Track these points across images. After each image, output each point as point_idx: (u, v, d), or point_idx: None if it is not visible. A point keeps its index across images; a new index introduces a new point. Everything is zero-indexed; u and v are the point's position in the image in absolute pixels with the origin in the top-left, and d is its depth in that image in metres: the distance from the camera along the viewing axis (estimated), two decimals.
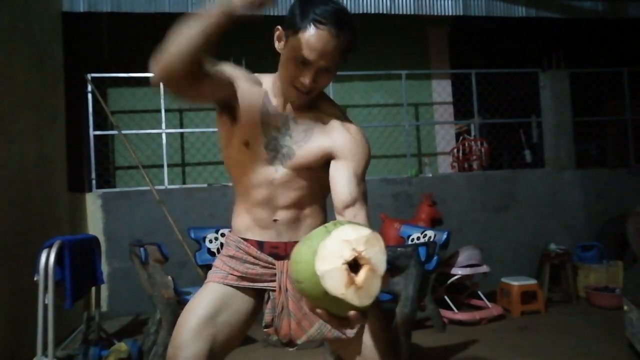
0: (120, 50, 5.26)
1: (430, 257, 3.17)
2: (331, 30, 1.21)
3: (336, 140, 1.35)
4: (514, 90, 5.66)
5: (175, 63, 1.11)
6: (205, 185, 4.77)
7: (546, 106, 5.40)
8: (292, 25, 1.24)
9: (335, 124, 1.38)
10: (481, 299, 3.99)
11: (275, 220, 1.41)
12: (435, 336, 3.46)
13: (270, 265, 1.43)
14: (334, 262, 0.96)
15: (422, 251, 3.00)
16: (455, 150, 5.74)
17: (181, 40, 1.10)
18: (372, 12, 4.79)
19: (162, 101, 4.74)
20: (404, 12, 4.86)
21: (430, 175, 5.24)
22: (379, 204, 4.69)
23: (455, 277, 3.84)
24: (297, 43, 1.23)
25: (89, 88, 4.53)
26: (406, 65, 5.35)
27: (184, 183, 5.23)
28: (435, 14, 4.94)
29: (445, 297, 3.89)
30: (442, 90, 5.88)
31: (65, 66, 4.14)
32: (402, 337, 2.67)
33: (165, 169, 4.71)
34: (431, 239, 3.42)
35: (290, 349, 1.47)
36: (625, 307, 2.86)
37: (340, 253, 0.97)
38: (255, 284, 1.44)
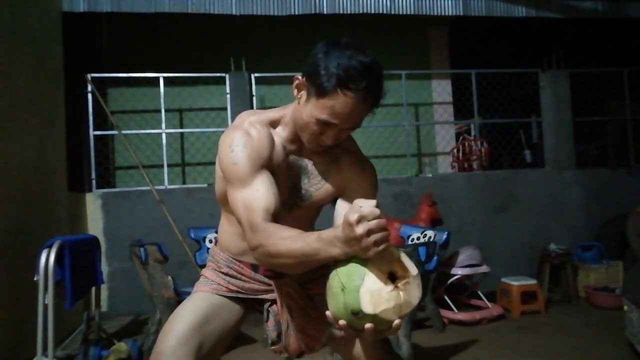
0: (120, 50, 5.26)
1: (430, 257, 3.17)
2: (359, 97, 1.11)
3: (350, 180, 1.33)
4: (514, 90, 5.66)
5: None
6: (205, 185, 4.76)
7: (546, 106, 5.39)
8: (315, 83, 1.13)
9: (351, 162, 1.35)
10: (481, 299, 3.99)
11: None
12: (435, 336, 3.46)
13: (267, 285, 1.41)
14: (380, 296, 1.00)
15: (422, 251, 3.01)
16: (455, 150, 5.75)
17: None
18: (372, 12, 4.78)
19: (162, 101, 4.73)
20: (404, 12, 4.86)
21: (430, 175, 5.24)
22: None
23: (455, 277, 3.83)
24: (321, 106, 1.14)
25: (89, 88, 4.53)
26: (406, 65, 5.34)
27: (184, 183, 5.23)
28: (435, 14, 4.94)
29: (445, 297, 3.89)
30: (442, 90, 5.87)
31: (65, 66, 4.14)
32: (402, 337, 2.68)
33: (165, 169, 4.71)
34: (431, 239, 3.42)
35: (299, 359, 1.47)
36: (625, 307, 2.86)
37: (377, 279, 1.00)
38: (250, 296, 1.42)
